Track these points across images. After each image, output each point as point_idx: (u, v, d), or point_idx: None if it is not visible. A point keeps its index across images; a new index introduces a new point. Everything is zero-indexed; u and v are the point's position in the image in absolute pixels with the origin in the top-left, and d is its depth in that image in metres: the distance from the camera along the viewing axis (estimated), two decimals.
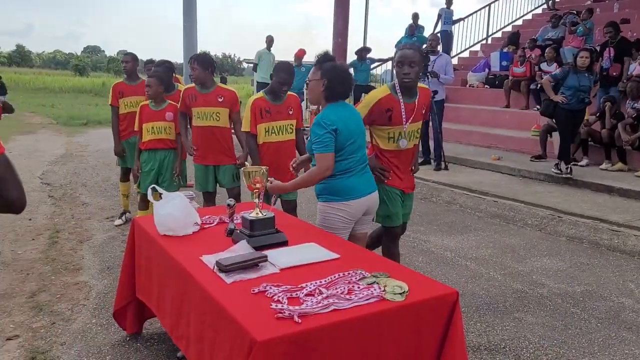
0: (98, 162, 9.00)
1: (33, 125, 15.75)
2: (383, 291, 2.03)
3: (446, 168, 8.06)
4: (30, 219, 5.67)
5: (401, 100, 3.23)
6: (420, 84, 3.37)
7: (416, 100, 3.28)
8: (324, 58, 3.11)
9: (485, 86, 11.85)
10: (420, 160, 8.33)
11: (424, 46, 9.26)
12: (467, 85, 12.25)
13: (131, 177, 5.71)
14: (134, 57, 5.63)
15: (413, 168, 3.57)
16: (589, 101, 7.08)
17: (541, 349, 3.18)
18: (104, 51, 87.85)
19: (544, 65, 9.84)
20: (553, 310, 3.72)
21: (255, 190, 2.64)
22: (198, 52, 4.57)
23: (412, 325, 2.01)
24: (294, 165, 3.38)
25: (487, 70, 11.94)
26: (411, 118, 3.27)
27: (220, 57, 76.50)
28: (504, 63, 11.77)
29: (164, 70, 5.06)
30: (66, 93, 30.53)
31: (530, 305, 3.81)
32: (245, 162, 2.85)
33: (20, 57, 71.47)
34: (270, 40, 11.85)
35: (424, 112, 3.40)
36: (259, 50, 11.82)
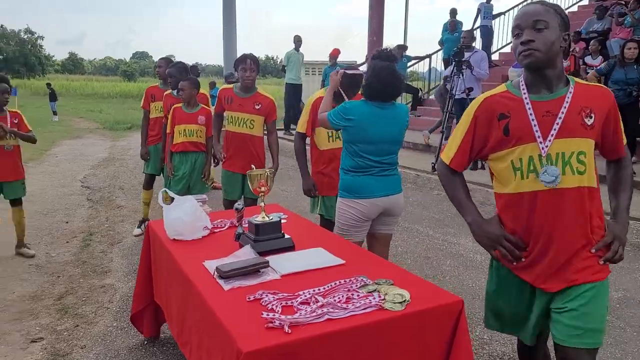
0: (137, 165, 9.19)
1: (81, 130, 16.38)
2: (382, 300, 1.94)
3: (482, 167, 7.81)
4: (67, 222, 5.85)
5: (526, 98, 1.87)
6: (594, 83, 2.02)
7: (567, 98, 1.85)
8: (374, 55, 3.06)
9: None
10: None
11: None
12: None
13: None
14: (167, 62, 5.57)
15: (603, 250, 1.86)
16: (638, 94, 6.70)
17: None
18: (151, 56, 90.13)
19: (588, 59, 9.41)
20: None
21: (260, 194, 2.60)
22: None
23: (413, 335, 1.91)
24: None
25: None
26: (553, 128, 1.81)
27: (264, 59, 77.33)
28: None
29: (177, 71, 5.01)
30: (114, 98, 31.65)
31: None
32: (252, 166, 2.79)
33: (73, 65, 74.33)
34: (298, 40, 11.41)
35: (590, 123, 1.83)
36: (287, 52, 11.46)
